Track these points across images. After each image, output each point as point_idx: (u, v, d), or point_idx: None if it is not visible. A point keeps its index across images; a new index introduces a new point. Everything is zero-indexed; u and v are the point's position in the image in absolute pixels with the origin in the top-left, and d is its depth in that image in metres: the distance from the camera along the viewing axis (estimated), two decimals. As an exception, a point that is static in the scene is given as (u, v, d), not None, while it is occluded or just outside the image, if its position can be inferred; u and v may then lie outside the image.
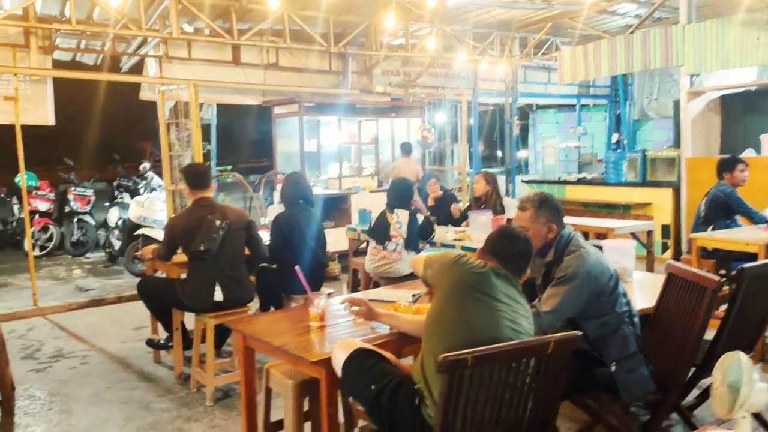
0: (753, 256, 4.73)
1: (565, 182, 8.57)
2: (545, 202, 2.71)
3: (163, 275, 4.44)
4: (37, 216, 8.83)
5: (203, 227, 3.67)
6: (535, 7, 7.74)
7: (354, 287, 5.79)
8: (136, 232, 7.41)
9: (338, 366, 2.24)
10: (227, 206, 3.94)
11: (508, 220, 5.28)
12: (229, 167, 12.93)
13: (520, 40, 9.70)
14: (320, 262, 4.26)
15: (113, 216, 8.62)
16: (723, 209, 5.07)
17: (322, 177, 8.10)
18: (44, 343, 4.99)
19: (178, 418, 3.52)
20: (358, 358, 2.22)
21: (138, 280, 7.11)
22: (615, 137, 9.25)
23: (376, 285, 5.24)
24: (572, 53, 7.96)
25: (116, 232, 8.42)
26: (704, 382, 2.90)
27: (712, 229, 4.97)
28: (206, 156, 7.07)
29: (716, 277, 2.48)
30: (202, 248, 3.63)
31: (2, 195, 9.72)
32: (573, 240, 2.68)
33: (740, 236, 4.52)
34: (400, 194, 4.90)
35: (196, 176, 3.87)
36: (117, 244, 8.22)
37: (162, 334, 4.30)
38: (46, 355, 4.68)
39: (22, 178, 5.98)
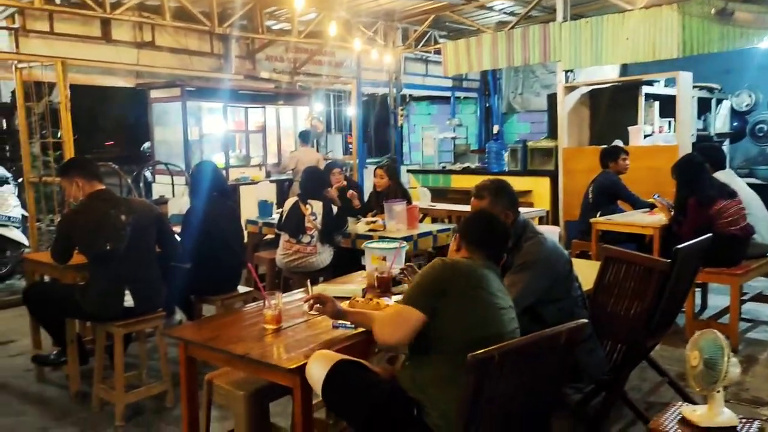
0: (637, 239, 5.20)
1: (451, 171, 8.81)
2: (502, 189, 2.70)
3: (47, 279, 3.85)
4: None
5: (107, 223, 3.20)
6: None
7: (256, 285, 5.46)
8: (-15, 232, 6.41)
9: (317, 383, 2.03)
10: (132, 198, 3.51)
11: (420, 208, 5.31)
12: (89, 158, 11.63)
13: (402, 32, 9.80)
14: (238, 260, 3.93)
15: (-49, 214, 7.34)
16: (609, 196, 5.48)
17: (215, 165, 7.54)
18: None
19: (86, 444, 3.07)
20: (340, 373, 2.02)
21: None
22: (496, 129, 9.73)
23: (286, 280, 5.01)
24: (455, 46, 8.19)
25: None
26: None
27: (600, 215, 5.36)
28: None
29: (663, 260, 2.63)
30: (108, 248, 3.16)
31: None
32: (529, 227, 2.70)
33: (634, 220, 4.91)
34: (314, 184, 4.70)
35: (87, 165, 3.38)
36: (-42, 247, 7.02)
37: (46, 348, 3.72)
38: None
39: None
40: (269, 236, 5.52)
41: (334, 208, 4.70)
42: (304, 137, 7.57)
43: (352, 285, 2.99)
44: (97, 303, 3.22)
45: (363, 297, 2.81)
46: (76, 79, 7.02)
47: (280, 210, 4.95)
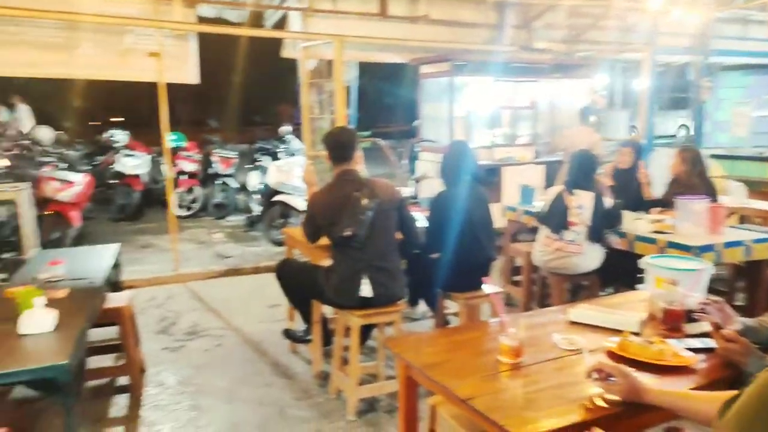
0: None
1: (771, 159, 6.99)
2: None
3: (303, 258, 3.91)
4: (184, 177, 8.90)
5: (348, 207, 3.02)
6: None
7: (510, 278, 4.96)
8: (274, 199, 7.11)
9: None
10: (376, 180, 3.25)
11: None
12: (368, 133, 12.41)
13: (716, -15, 8.05)
14: (487, 256, 3.47)
15: (253, 180, 8.44)
16: None
17: (471, 145, 7.21)
18: (181, 315, 4.74)
19: (317, 434, 2.98)
20: None
21: (275, 248, 6.93)
22: None
23: (543, 279, 4.40)
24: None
25: (255, 196, 8.25)
26: None
27: None
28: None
29: None
30: (347, 233, 2.98)
31: (153, 154, 9.93)
32: None
33: None
34: (582, 171, 3.95)
35: (339, 147, 3.17)
36: (256, 209, 8.03)
37: (299, 323, 3.80)
38: (182, 331, 4.40)
39: (163, 138, 5.79)
40: (531, 225, 4.95)
41: (607, 201, 3.90)
42: (585, 115, 6.68)
43: (623, 313, 2.26)
44: (337, 289, 3.09)
45: (639, 334, 2.10)
46: (355, 56, 7.30)
47: (544, 198, 4.33)
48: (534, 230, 4.35)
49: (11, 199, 5.52)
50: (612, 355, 1.92)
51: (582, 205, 3.89)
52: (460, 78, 6.90)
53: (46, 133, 8.22)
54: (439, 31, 7.14)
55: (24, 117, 9.51)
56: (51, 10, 5.20)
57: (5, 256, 5.65)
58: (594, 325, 2.20)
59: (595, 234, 3.88)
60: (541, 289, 4.50)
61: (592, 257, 3.90)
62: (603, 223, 3.91)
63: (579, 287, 4.31)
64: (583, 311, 2.29)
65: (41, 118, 9.02)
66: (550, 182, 6.62)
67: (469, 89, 7.17)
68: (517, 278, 4.89)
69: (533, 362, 1.92)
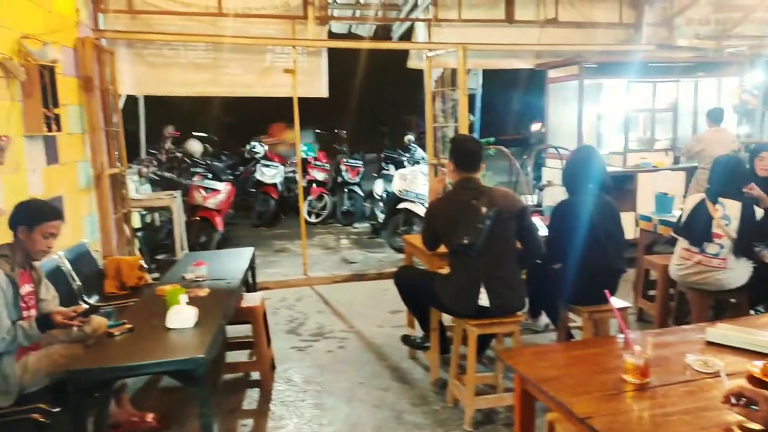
0: None
1: None
2: None
3: (423, 266, 3.95)
4: (314, 185, 9.35)
5: (466, 215, 3.01)
6: None
7: (644, 292, 4.64)
8: (398, 206, 7.24)
9: None
10: (496, 189, 3.19)
11: None
12: (492, 139, 12.24)
13: None
14: (613, 268, 3.28)
15: (378, 188, 8.68)
16: None
17: (602, 151, 6.87)
18: (308, 317, 4.98)
19: (432, 441, 2.99)
20: None
21: (398, 255, 7.06)
22: None
23: (682, 295, 4.07)
24: None
25: (380, 204, 8.46)
26: None
27: None
28: (469, 128, 6.50)
29: None
30: (464, 241, 2.97)
31: (288, 164, 10.55)
32: None
33: None
34: (727, 178, 3.61)
35: (466, 155, 3.16)
36: (381, 216, 8.23)
37: (418, 330, 3.83)
38: (308, 332, 4.62)
39: (297, 149, 6.14)
40: (667, 235, 4.61)
41: (759, 212, 3.53)
42: (714, 116, 6.14)
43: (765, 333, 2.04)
44: (454, 297, 3.08)
45: (789, 358, 1.88)
46: (479, 64, 7.25)
47: (682, 207, 4.01)
48: (672, 241, 4.04)
49: (167, 205, 6.15)
50: (754, 380, 1.74)
51: (728, 215, 3.56)
52: (591, 81, 6.60)
53: (196, 146, 9.05)
54: (568, 33, 6.87)
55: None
56: (201, 33, 5.72)
57: (160, 257, 6.29)
58: (734, 347, 2.01)
59: (743, 247, 3.53)
60: (678, 306, 4.16)
61: (738, 273, 3.55)
62: (753, 236, 3.55)
63: (723, 305, 3.93)
64: (722, 331, 2.09)
65: (192, 133, 9.92)
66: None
67: (600, 92, 6.83)
68: (652, 293, 4.56)
69: (662, 383, 1.79)
